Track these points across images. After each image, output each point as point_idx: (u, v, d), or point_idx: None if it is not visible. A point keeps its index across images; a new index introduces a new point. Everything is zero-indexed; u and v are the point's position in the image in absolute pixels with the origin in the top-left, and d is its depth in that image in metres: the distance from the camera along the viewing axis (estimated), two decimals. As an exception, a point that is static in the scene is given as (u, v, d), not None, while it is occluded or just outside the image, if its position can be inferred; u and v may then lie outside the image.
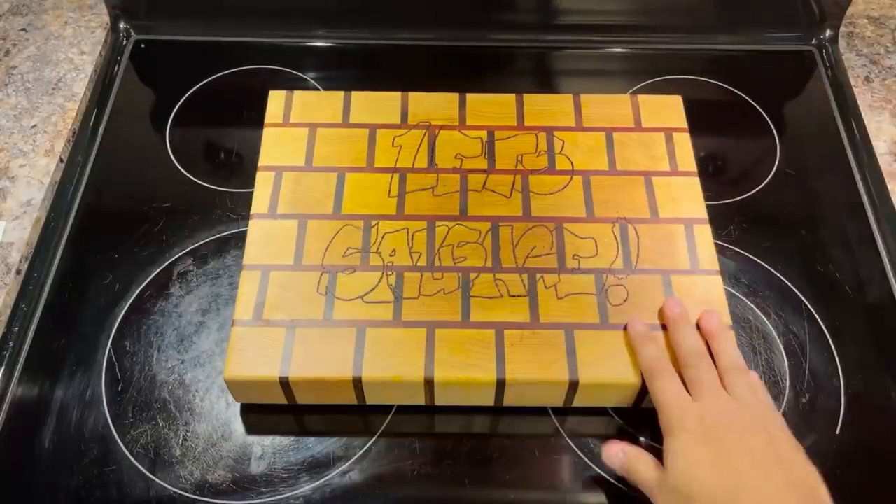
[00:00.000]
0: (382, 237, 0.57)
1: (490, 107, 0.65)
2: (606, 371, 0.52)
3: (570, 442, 0.54)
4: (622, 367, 0.52)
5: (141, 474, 0.52)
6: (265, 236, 0.57)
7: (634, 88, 0.74)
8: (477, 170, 0.61)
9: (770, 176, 0.68)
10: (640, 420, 0.55)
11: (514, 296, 0.55)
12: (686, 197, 0.60)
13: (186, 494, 0.52)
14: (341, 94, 0.65)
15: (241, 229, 0.63)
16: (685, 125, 0.64)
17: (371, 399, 0.54)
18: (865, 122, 0.71)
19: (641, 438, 0.54)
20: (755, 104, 0.73)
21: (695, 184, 0.60)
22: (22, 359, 0.58)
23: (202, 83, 0.74)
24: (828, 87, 0.75)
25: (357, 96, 0.65)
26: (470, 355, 0.52)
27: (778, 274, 0.62)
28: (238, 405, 0.55)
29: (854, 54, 0.76)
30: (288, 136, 0.63)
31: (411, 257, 0.56)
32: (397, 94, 0.65)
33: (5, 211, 0.63)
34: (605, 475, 0.53)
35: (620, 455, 0.50)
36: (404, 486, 0.52)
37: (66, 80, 0.73)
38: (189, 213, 0.65)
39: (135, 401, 0.55)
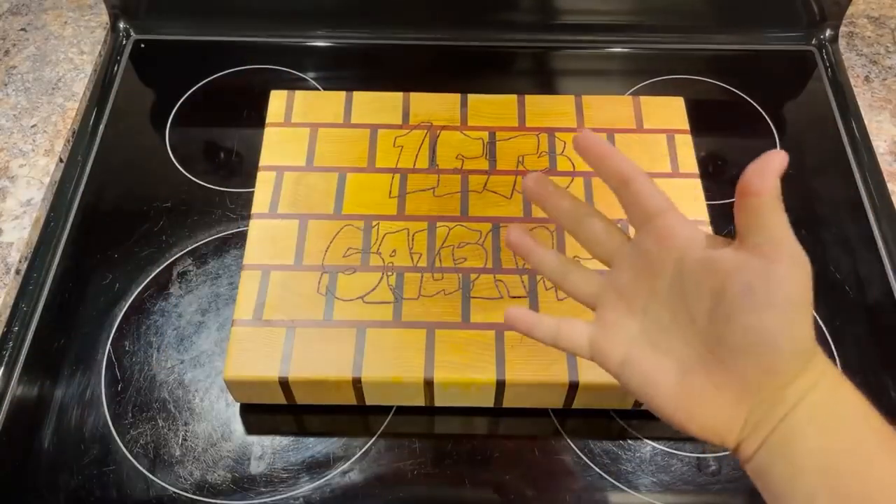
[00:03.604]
0: (383, 237, 0.57)
1: (491, 107, 0.65)
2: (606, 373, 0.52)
3: (570, 443, 0.54)
4: (622, 368, 0.52)
5: (141, 474, 0.52)
6: (266, 236, 0.57)
7: (635, 88, 0.74)
8: (478, 170, 0.61)
9: (770, 176, 0.68)
10: (640, 421, 0.55)
11: (514, 297, 0.55)
12: (687, 199, 0.60)
13: (186, 494, 0.52)
14: (343, 94, 0.65)
15: (241, 229, 0.63)
16: (687, 127, 0.64)
17: (371, 399, 0.54)
18: (865, 122, 0.71)
19: (643, 439, 0.54)
20: (755, 104, 0.73)
21: (696, 185, 0.60)
22: (22, 359, 0.58)
23: (202, 83, 0.74)
24: (828, 87, 0.75)
25: (358, 96, 0.65)
26: (470, 356, 0.52)
27: (778, 274, 0.62)
28: (238, 405, 0.55)
29: (854, 54, 0.76)
30: (289, 135, 0.63)
31: (412, 258, 0.56)
32: (399, 95, 0.65)
33: (5, 211, 0.63)
34: (605, 475, 0.53)
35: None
36: (404, 486, 0.52)
37: (65, 79, 0.72)
38: (189, 213, 0.65)
39: (135, 401, 0.55)
